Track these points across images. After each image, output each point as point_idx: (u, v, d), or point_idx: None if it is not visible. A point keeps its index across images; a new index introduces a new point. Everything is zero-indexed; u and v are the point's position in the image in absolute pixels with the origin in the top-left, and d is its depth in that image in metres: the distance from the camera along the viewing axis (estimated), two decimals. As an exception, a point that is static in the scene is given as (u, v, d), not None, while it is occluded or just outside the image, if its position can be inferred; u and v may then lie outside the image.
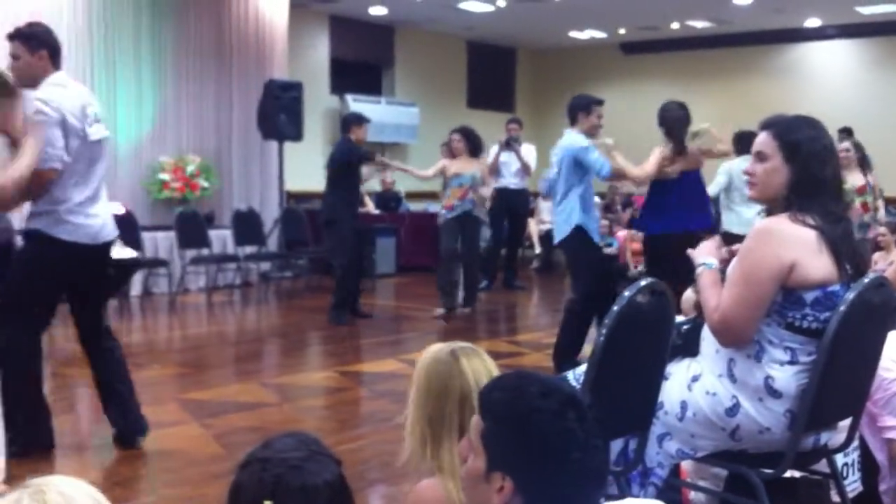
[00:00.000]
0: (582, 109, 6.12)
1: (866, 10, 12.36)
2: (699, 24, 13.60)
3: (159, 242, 9.71)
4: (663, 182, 6.11)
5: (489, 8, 12.49)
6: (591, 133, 6.09)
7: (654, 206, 6.25)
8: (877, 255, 7.45)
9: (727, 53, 14.42)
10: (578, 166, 5.92)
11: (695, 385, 2.74)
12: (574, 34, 14.72)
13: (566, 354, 5.86)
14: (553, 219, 6.36)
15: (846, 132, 10.96)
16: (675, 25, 13.72)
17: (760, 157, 2.71)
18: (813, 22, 13.42)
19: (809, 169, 2.63)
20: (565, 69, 15.83)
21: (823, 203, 2.62)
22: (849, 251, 2.62)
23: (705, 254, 2.83)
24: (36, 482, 1.33)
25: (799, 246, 2.57)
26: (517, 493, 1.56)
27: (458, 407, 2.08)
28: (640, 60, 15.21)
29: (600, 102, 6.23)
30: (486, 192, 9.01)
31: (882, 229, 7.56)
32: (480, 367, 2.15)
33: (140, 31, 10.31)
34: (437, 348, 2.20)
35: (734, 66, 14.43)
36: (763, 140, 2.71)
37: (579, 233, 5.93)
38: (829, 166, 2.66)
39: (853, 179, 7.12)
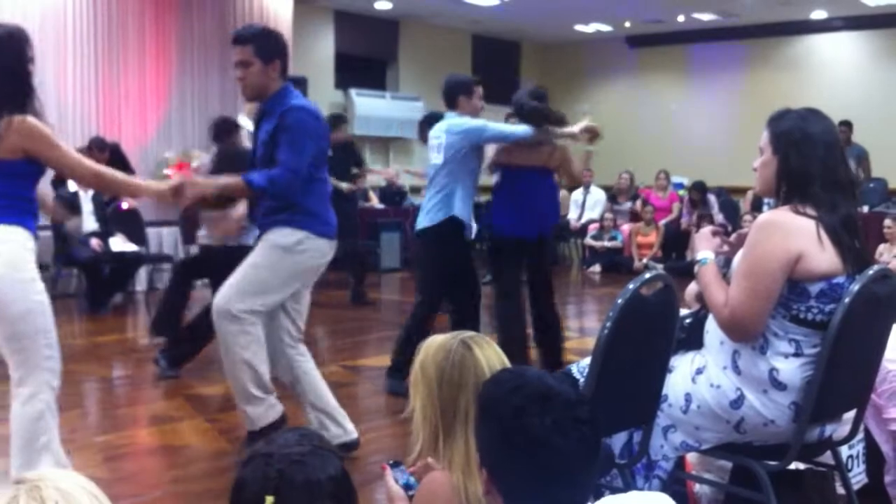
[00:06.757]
0: (463, 92, 5.41)
1: (872, 2, 12.32)
2: (705, 17, 13.55)
3: (164, 238, 9.70)
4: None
5: (494, 1, 12.46)
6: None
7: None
8: (882, 247, 7.44)
9: (733, 46, 14.37)
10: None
11: (699, 377, 2.73)
12: (579, 27, 14.67)
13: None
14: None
15: (845, 125, 10.93)
16: (680, 18, 13.67)
17: (760, 151, 2.76)
18: (819, 14, 13.37)
19: (789, 159, 2.65)
20: (571, 63, 15.77)
21: (813, 193, 2.61)
22: (850, 240, 2.61)
23: (701, 247, 2.82)
24: (31, 477, 1.31)
25: (804, 237, 2.57)
26: (493, 483, 1.61)
27: (473, 398, 2.00)
28: (646, 53, 15.15)
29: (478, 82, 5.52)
30: None
31: (888, 221, 7.54)
32: (493, 356, 2.09)
33: (144, 26, 10.31)
34: (442, 339, 2.13)
35: (740, 59, 14.37)
36: (763, 134, 2.76)
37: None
38: (810, 156, 2.63)
39: None
